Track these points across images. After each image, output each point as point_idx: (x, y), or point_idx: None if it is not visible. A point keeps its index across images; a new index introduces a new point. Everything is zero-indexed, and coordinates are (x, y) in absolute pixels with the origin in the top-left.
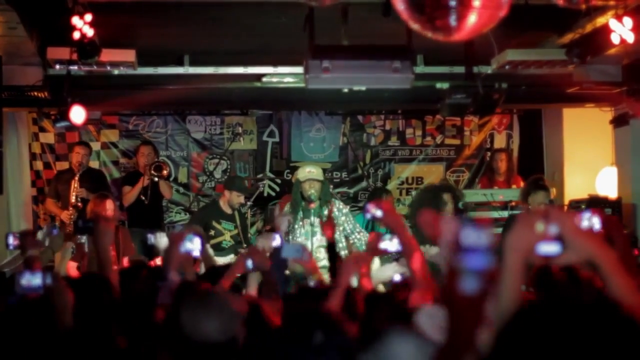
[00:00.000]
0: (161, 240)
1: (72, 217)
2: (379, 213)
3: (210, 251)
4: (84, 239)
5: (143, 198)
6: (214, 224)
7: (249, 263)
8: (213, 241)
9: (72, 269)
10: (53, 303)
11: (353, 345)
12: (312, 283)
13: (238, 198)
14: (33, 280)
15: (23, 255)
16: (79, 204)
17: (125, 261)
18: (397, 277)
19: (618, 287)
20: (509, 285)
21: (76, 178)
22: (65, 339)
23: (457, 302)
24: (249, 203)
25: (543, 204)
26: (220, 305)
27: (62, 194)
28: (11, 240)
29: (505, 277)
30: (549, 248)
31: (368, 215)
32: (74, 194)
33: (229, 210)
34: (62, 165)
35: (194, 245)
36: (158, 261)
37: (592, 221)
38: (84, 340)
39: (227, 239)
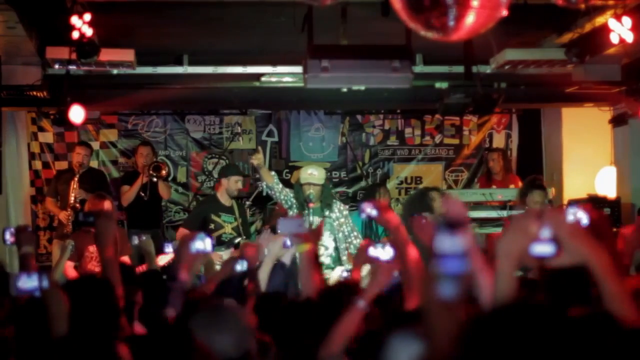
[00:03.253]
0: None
1: (70, 218)
2: (374, 212)
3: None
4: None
5: (142, 194)
6: (213, 217)
7: (239, 266)
8: (214, 234)
9: (69, 268)
10: (47, 308)
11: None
12: (300, 252)
13: (236, 183)
14: (29, 282)
15: (19, 252)
16: (77, 204)
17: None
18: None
19: (610, 292)
20: (502, 289)
21: (76, 179)
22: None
23: (435, 307)
24: (247, 202)
25: (540, 203)
26: (234, 320)
27: (61, 194)
28: (8, 236)
29: (498, 282)
30: (542, 249)
31: (363, 215)
32: (72, 194)
33: (227, 202)
34: (61, 165)
35: (205, 245)
36: (144, 266)
37: (578, 216)
38: (80, 346)
39: (227, 231)
